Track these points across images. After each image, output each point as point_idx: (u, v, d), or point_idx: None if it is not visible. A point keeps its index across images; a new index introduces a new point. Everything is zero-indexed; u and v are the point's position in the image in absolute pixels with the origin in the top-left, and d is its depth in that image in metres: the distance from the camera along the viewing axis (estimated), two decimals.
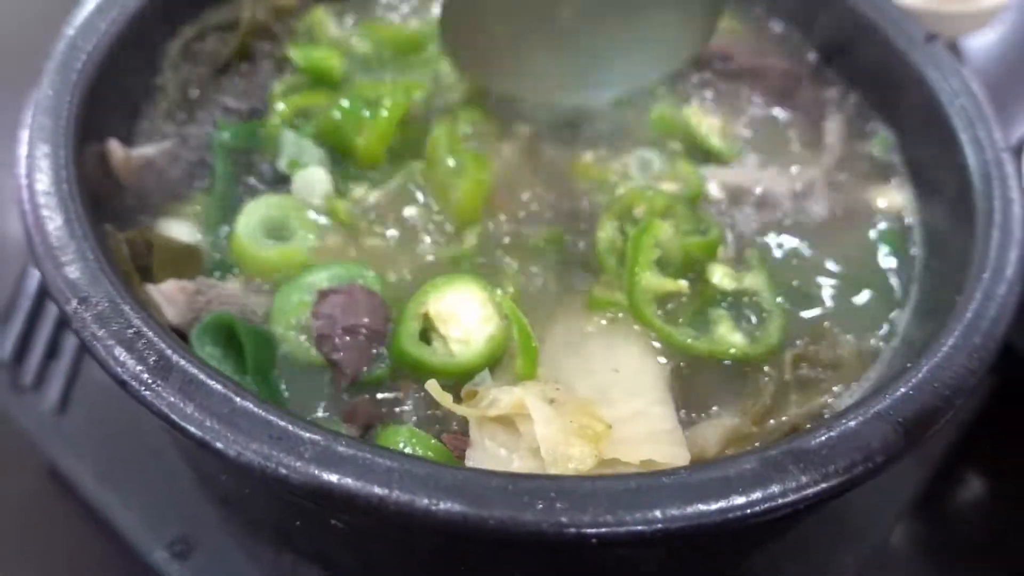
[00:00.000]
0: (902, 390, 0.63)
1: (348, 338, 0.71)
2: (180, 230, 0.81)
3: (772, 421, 0.73)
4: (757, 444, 0.70)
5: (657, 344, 0.76)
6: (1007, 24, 1.71)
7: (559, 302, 0.79)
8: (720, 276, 0.81)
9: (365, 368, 0.71)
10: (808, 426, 0.70)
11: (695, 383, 0.75)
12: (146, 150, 0.84)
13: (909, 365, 0.65)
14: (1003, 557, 1.00)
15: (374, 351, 0.72)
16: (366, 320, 0.72)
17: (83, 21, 0.83)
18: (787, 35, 1.08)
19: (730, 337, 0.77)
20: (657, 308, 0.77)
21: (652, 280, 0.77)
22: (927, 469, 0.95)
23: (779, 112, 1.00)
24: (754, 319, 0.79)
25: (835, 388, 0.76)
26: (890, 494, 0.92)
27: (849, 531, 0.89)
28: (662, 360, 0.75)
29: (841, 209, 0.90)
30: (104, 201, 0.77)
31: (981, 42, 1.66)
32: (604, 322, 0.77)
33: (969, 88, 0.89)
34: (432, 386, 0.66)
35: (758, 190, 0.89)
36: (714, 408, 0.74)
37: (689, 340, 0.75)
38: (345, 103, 0.85)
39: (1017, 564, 0.99)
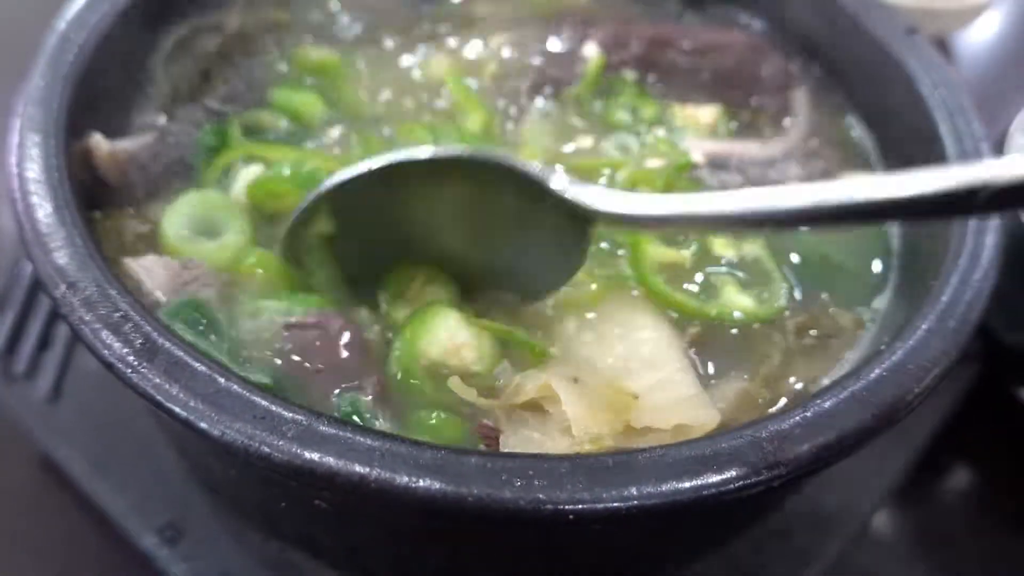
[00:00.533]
0: (876, 371, 0.64)
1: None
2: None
3: (782, 384, 0.75)
4: (770, 408, 0.73)
5: (671, 314, 0.78)
6: (995, 21, 1.73)
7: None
8: (721, 244, 0.83)
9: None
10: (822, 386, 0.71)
11: (705, 350, 0.77)
12: (128, 144, 0.83)
13: (883, 347, 0.67)
14: (985, 544, 1.01)
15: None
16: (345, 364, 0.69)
17: (74, 15, 0.84)
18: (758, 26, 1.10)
19: (737, 299, 0.79)
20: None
21: (656, 251, 0.80)
22: (909, 456, 0.96)
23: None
24: (756, 285, 0.82)
25: (847, 355, 0.78)
26: (873, 481, 0.93)
27: (832, 517, 0.90)
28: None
29: (819, 176, 0.93)
30: (91, 192, 0.78)
31: (969, 39, 1.68)
32: (613, 299, 0.78)
33: (949, 79, 0.90)
34: (455, 383, 0.67)
35: (734, 159, 0.93)
36: (732, 373, 0.75)
37: (698, 304, 0.77)
38: (285, 172, 0.80)
39: (999, 550, 1.00)
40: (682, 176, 0.89)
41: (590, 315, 0.77)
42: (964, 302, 0.70)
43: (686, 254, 0.81)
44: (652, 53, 1.00)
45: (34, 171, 0.71)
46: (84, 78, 0.80)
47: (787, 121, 1.00)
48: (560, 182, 0.66)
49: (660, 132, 0.95)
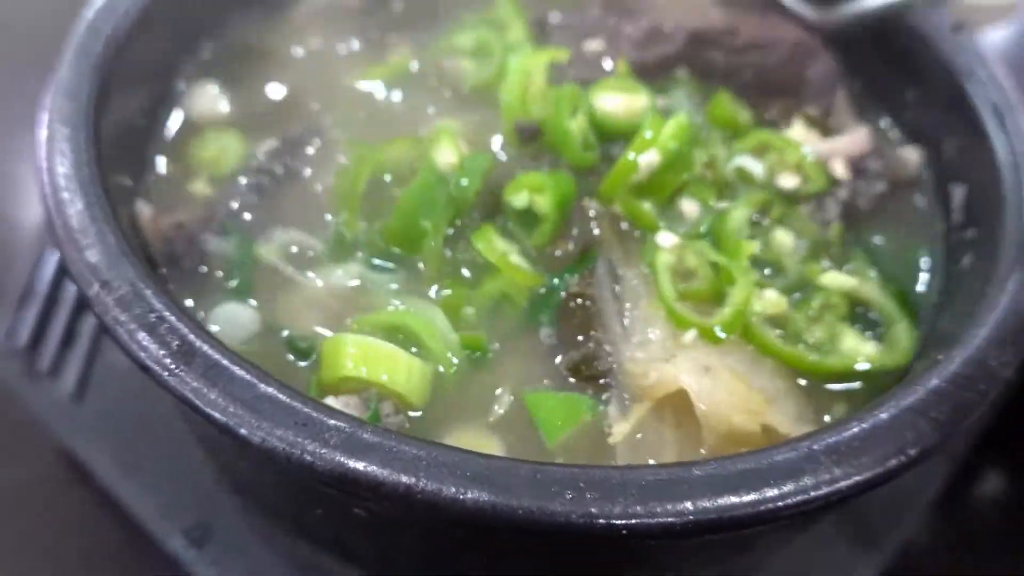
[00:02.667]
0: (935, 382, 0.62)
1: None
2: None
3: None
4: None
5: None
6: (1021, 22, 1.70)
7: None
8: (831, 278, 0.80)
9: None
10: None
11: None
12: (172, 208, 0.80)
13: (941, 357, 0.64)
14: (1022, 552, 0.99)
15: None
16: None
17: (102, 4, 0.82)
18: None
19: (860, 347, 0.75)
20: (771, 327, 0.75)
21: (759, 302, 0.75)
22: (951, 465, 0.94)
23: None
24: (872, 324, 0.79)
25: None
26: (915, 490, 0.91)
27: (873, 526, 0.88)
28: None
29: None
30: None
31: (995, 36, 1.64)
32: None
33: (996, 78, 0.88)
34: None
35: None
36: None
37: (819, 358, 0.73)
38: None
39: None
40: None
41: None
42: (1022, 311, 0.67)
43: (785, 302, 0.76)
44: (691, 50, 0.94)
45: (64, 166, 0.69)
46: (113, 68, 0.79)
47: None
48: None
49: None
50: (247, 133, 0.89)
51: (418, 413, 0.70)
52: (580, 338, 0.73)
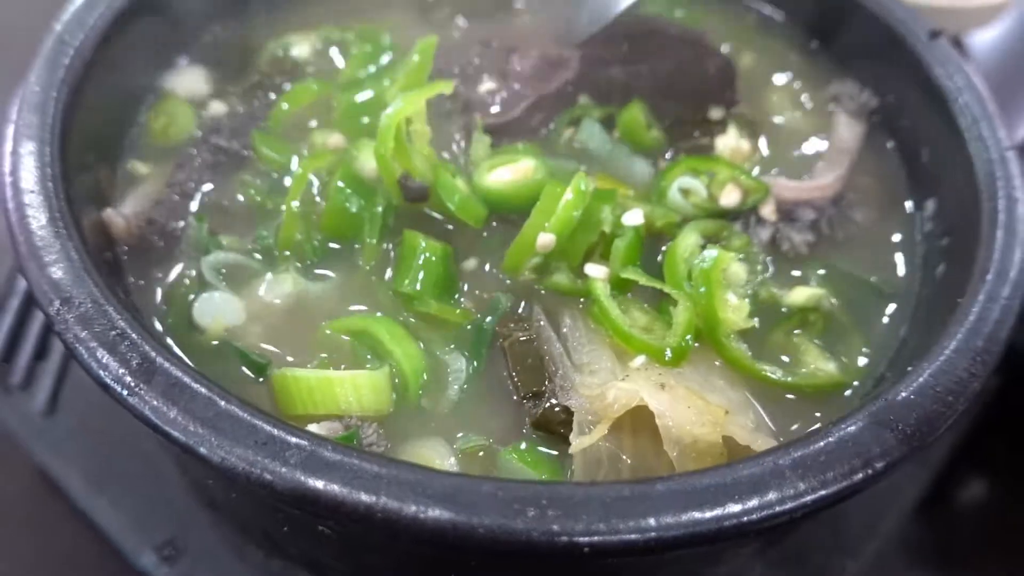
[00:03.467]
0: (903, 394, 0.61)
1: None
2: None
3: None
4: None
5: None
6: (1011, 20, 1.70)
7: None
8: (797, 294, 0.80)
9: None
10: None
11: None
12: (138, 206, 0.80)
13: (910, 368, 0.64)
14: (1004, 560, 0.98)
15: None
16: None
17: (70, 16, 0.82)
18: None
19: (822, 365, 0.76)
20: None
21: (731, 315, 0.74)
22: (928, 471, 0.94)
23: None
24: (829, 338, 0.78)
25: None
26: (891, 497, 0.91)
27: (850, 535, 0.88)
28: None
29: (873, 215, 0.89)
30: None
31: (985, 39, 1.64)
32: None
33: (973, 85, 0.88)
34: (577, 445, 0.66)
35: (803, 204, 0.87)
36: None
37: (783, 376, 0.73)
38: None
39: (1018, 566, 0.97)
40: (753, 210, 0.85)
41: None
42: (992, 320, 0.67)
43: (755, 322, 0.75)
44: (588, 70, 0.90)
45: (28, 180, 0.69)
46: (81, 82, 0.78)
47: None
48: None
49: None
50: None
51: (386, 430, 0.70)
52: (535, 389, 0.71)
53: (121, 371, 0.58)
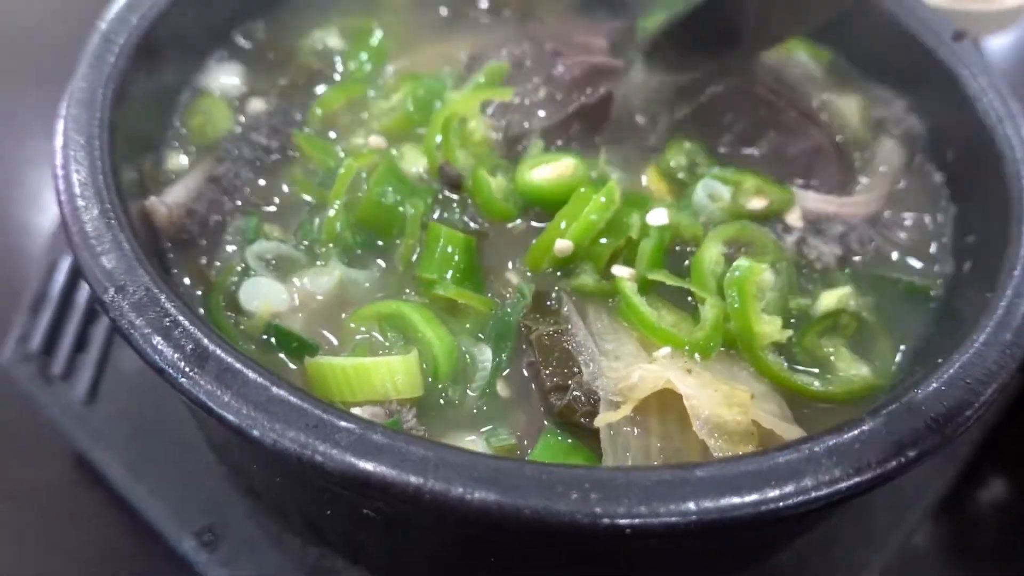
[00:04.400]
0: (934, 385, 0.63)
1: None
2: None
3: None
4: None
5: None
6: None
7: None
8: (828, 298, 0.80)
9: None
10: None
11: None
12: (181, 197, 0.83)
13: (940, 360, 0.65)
14: None
15: None
16: None
17: (115, 15, 0.84)
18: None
19: (853, 369, 0.76)
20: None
21: (766, 328, 0.74)
22: (952, 468, 0.95)
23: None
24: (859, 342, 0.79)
25: None
26: (915, 493, 0.92)
27: (874, 529, 0.89)
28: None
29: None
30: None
31: (1001, 43, 1.65)
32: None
33: (997, 86, 0.89)
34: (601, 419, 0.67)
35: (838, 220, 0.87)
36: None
37: (820, 386, 0.74)
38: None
39: None
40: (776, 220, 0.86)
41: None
42: (1021, 314, 0.68)
43: (788, 333, 0.75)
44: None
45: (80, 173, 0.71)
46: (127, 78, 0.80)
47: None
48: None
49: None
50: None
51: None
52: (560, 382, 0.71)
53: (175, 356, 0.60)
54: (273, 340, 0.75)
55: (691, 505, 0.54)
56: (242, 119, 0.92)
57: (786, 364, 0.75)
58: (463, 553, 0.69)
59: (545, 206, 0.83)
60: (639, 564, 0.68)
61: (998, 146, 0.83)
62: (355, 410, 0.69)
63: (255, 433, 0.56)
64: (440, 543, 0.68)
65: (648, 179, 0.90)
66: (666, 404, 0.67)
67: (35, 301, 1.02)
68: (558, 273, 0.80)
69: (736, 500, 0.55)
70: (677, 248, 0.82)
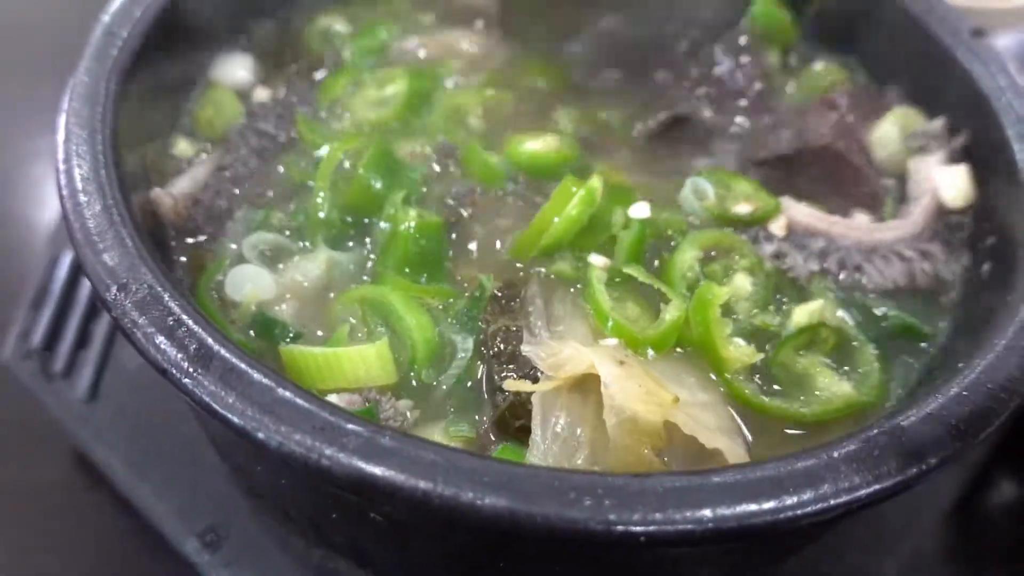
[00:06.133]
0: (955, 390, 0.61)
1: None
2: None
3: None
4: None
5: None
6: None
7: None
8: (800, 313, 0.77)
9: None
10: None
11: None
12: (187, 187, 0.83)
13: (961, 365, 0.64)
14: None
15: None
16: None
17: (118, 8, 0.83)
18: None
19: (835, 387, 0.73)
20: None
21: (734, 353, 0.72)
22: (966, 473, 0.94)
23: None
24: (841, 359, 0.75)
25: None
26: (929, 496, 0.90)
27: (888, 534, 0.87)
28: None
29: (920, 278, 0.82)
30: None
31: (1011, 40, 1.63)
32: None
33: (1015, 83, 0.87)
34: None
35: (823, 238, 0.83)
36: None
37: (803, 409, 0.71)
38: None
39: None
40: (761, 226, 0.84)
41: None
42: None
43: (759, 356, 0.73)
44: None
45: (82, 168, 0.69)
46: (130, 72, 0.79)
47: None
48: None
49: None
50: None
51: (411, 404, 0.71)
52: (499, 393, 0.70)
53: (179, 356, 0.58)
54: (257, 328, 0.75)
55: (707, 512, 0.53)
56: (250, 109, 0.92)
57: (761, 386, 0.72)
58: (473, 559, 0.67)
59: (532, 172, 0.86)
60: (653, 571, 0.67)
61: (1014, 145, 0.81)
62: (331, 397, 0.68)
63: (260, 436, 0.55)
64: (449, 549, 0.66)
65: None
66: (591, 386, 0.66)
67: (36, 297, 1.01)
68: (539, 262, 0.80)
69: (754, 507, 0.53)
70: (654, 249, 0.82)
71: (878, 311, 0.79)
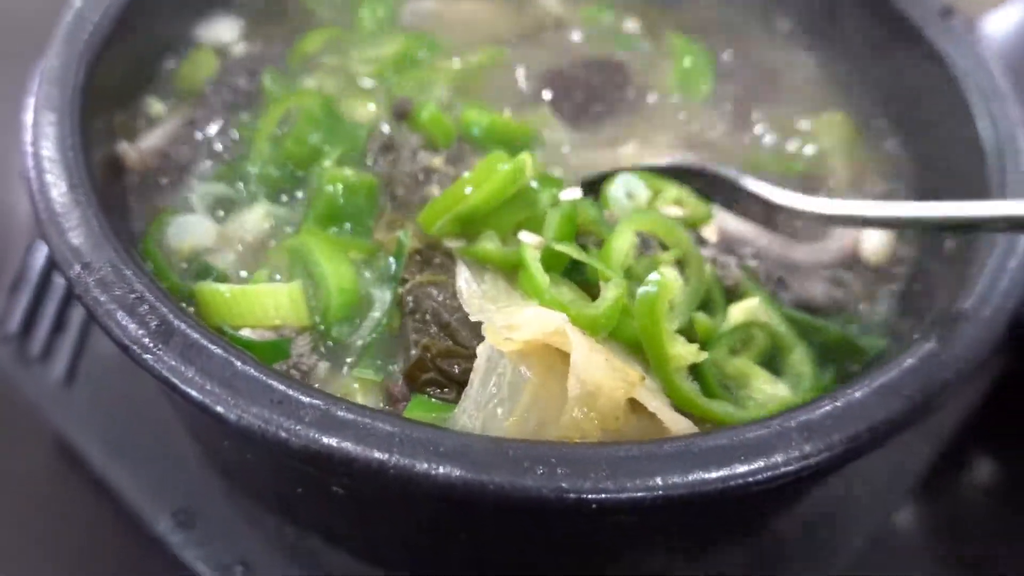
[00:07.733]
0: (909, 362, 0.62)
1: None
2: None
3: None
4: None
5: None
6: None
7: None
8: (736, 311, 0.75)
9: None
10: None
11: None
12: (154, 142, 0.85)
13: (917, 336, 0.65)
14: (1009, 539, 0.99)
15: None
16: None
17: None
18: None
19: (771, 390, 0.70)
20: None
21: (680, 350, 0.67)
22: (934, 449, 0.94)
23: None
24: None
25: None
26: (897, 473, 0.91)
27: (856, 510, 0.88)
28: None
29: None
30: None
31: (1003, 22, 1.63)
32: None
33: (985, 63, 0.88)
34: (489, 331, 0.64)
35: (751, 248, 0.83)
36: None
37: (738, 412, 0.67)
38: None
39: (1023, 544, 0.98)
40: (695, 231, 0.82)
41: None
42: (1000, 291, 0.68)
43: (704, 355, 0.68)
44: None
45: (49, 150, 0.70)
46: (100, 55, 0.79)
47: None
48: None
49: None
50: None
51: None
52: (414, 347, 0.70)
53: (140, 332, 0.59)
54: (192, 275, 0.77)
55: (658, 480, 0.53)
56: (224, 65, 0.94)
57: (699, 387, 0.69)
58: (434, 530, 0.68)
59: (483, 141, 0.88)
60: (613, 542, 0.68)
61: (978, 123, 0.82)
62: (244, 331, 0.71)
63: (219, 409, 0.56)
64: (410, 520, 0.67)
65: None
66: (552, 363, 0.62)
67: (14, 282, 1.01)
68: (455, 238, 0.77)
69: (704, 475, 0.54)
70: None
71: (812, 319, 0.77)
